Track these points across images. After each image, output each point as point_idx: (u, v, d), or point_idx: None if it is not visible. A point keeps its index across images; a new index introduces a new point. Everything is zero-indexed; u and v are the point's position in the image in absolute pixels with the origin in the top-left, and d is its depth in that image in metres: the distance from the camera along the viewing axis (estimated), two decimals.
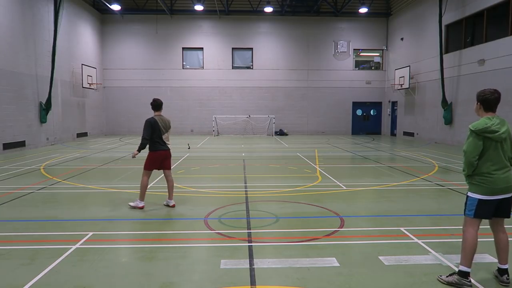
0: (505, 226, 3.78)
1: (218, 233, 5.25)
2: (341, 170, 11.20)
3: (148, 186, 8.19)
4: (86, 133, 23.36)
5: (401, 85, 23.43)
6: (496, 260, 3.86)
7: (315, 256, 4.39)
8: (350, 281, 3.75)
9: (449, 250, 4.56)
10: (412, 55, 23.02)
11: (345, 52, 26.58)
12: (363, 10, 24.53)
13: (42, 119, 17.80)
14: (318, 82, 26.85)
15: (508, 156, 3.65)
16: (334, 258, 4.30)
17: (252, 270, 4.01)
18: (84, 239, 4.96)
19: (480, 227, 3.69)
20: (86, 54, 23.30)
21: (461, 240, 3.75)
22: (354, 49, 26.88)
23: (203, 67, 26.53)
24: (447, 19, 18.99)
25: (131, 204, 6.60)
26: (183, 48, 26.42)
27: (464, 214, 3.74)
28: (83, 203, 7.06)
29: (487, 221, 3.78)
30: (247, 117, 26.74)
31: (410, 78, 22.50)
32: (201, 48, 26.45)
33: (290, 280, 3.79)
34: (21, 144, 16.23)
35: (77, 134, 21.99)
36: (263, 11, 25.39)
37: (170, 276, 3.90)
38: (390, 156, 14.59)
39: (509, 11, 15.12)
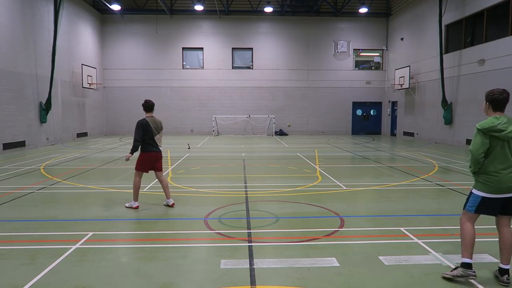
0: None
1: (218, 233, 5.24)
2: (341, 170, 11.20)
3: (148, 187, 8.22)
4: (86, 133, 23.36)
5: (401, 85, 23.43)
6: (496, 260, 3.86)
7: (315, 256, 4.39)
8: (350, 281, 3.76)
9: (449, 250, 4.55)
10: (412, 55, 23.02)
11: (345, 52, 26.57)
12: (363, 10, 24.52)
13: (42, 119, 17.79)
14: (318, 82, 26.84)
15: None
16: (334, 258, 4.30)
17: (252, 270, 4.01)
18: (84, 239, 4.96)
19: (480, 227, 3.70)
20: (86, 54, 23.30)
21: (460, 240, 3.77)
22: (354, 49, 26.87)
23: (203, 67, 26.53)
24: (447, 19, 18.99)
25: (127, 205, 6.65)
26: (183, 48, 26.42)
27: (464, 208, 3.80)
28: (83, 203, 7.06)
29: (488, 221, 3.78)
30: (247, 117, 26.74)
31: (410, 78, 22.49)
32: (201, 48, 26.45)
33: (290, 280, 3.79)
34: (21, 144, 16.23)
35: (77, 134, 21.99)
36: (263, 11, 25.39)
37: (170, 276, 3.90)
38: (390, 156, 14.59)
39: (509, 11, 15.11)
